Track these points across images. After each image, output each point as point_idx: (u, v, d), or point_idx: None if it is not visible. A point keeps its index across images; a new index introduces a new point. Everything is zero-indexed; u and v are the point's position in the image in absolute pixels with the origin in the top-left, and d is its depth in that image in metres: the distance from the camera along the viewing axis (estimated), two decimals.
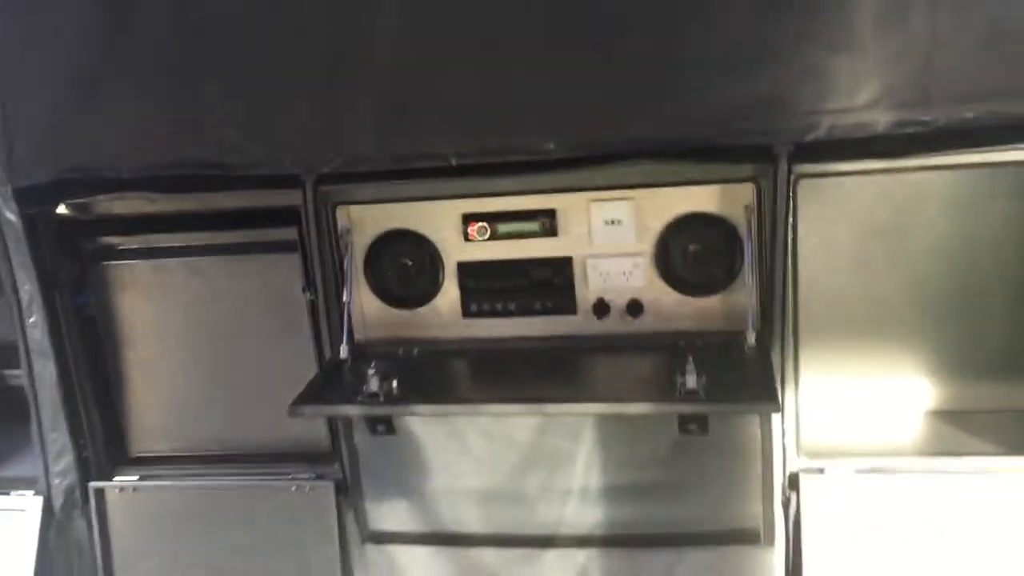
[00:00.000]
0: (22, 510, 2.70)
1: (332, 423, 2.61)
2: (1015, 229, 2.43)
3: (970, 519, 2.33)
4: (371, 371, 2.22)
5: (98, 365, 2.73)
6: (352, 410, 2.29)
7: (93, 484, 2.71)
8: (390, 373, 2.26)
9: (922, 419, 2.58)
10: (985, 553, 2.32)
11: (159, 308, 2.71)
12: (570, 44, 2.16)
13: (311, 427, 2.67)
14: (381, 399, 2.22)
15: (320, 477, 2.65)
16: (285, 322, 2.63)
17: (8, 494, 2.75)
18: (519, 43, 2.18)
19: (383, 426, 2.47)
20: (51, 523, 2.71)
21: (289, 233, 2.53)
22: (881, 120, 2.07)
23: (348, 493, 2.64)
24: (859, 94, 2.06)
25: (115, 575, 2.76)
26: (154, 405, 2.79)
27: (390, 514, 2.67)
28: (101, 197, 2.49)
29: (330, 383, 2.38)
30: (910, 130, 2.07)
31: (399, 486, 2.63)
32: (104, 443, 2.75)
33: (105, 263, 2.68)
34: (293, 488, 2.65)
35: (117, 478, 2.75)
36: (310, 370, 2.55)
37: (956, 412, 2.57)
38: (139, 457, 2.81)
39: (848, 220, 2.46)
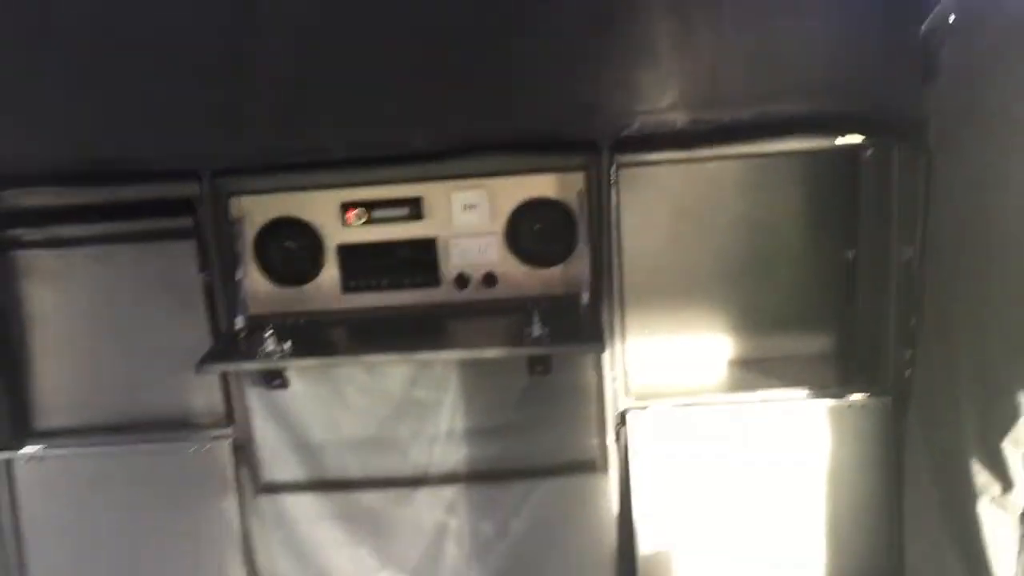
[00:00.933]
0: None
1: (227, 387, 2.92)
2: (792, 208, 3.02)
3: (761, 438, 2.88)
4: (267, 334, 2.60)
5: (4, 346, 2.96)
6: (253, 365, 2.65)
7: (1, 455, 2.94)
8: (283, 336, 2.63)
9: (724, 365, 3.14)
10: (773, 462, 2.88)
11: (63, 293, 2.96)
12: (432, 59, 2.61)
13: (207, 395, 2.98)
14: (277, 356, 2.59)
15: (216, 439, 2.96)
16: (181, 303, 2.92)
17: None
18: (390, 56, 2.60)
19: (278, 380, 2.83)
20: None
21: (185, 222, 2.84)
22: (679, 119, 2.62)
23: (242, 450, 2.96)
24: (661, 99, 2.61)
25: (25, 540, 2.99)
26: (58, 382, 3.03)
27: (280, 467, 3.00)
28: (10, 191, 2.75)
29: (229, 348, 2.73)
30: (702, 127, 2.62)
31: (288, 441, 2.97)
32: (10, 417, 2.97)
33: (11, 252, 2.93)
34: (192, 449, 2.95)
35: (24, 450, 2.98)
36: (204, 345, 2.86)
37: (748, 359, 3.14)
38: (43, 430, 3.04)
39: (661, 202, 3.00)
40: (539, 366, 2.74)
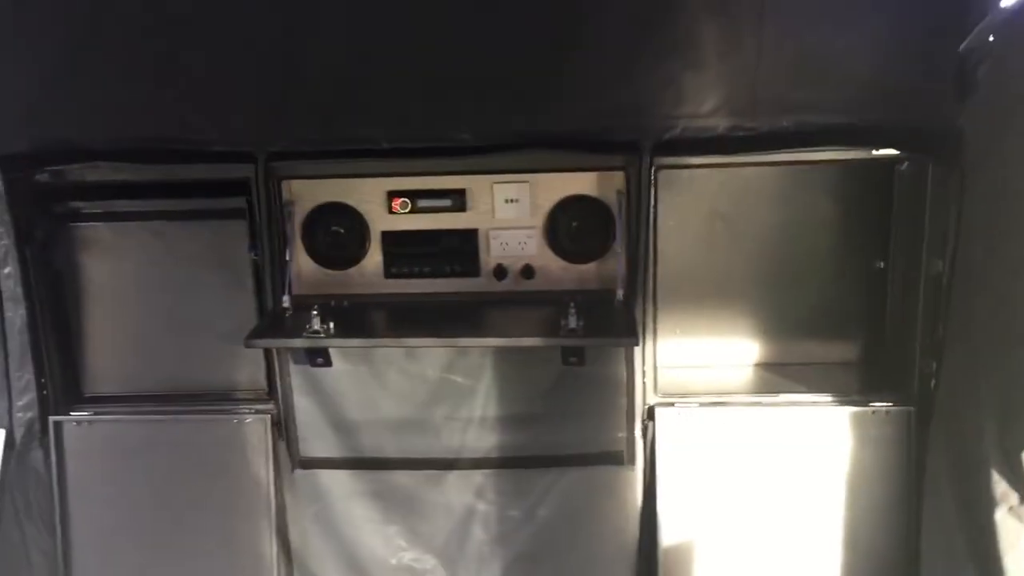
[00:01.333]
0: None
1: (270, 363, 3.04)
2: (820, 216, 3.09)
3: (785, 441, 2.95)
4: (314, 313, 2.70)
5: (60, 314, 3.08)
6: (298, 342, 2.76)
7: (53, 418, 3.05)
8: (327, 316, 2.74)
9: (750, 367, 3.22)
10: (796, 464, 2.95)
11: (118, 265, 3.08)
12: (482, 55, 2.69)
13: (250, 370, 3.10)
14: (322, 335, 2.70)
15: (257, 413, 3.07)
16: (229, 279, 3.04)
17: None
18: (441, 50, 2.69)
19: (322, 358, 2.93)
20: (12, 454, 3.03)
21: (238, 202, 2.95)
22: (720, 124, 2.69)
23: (282, 425, 3.07)
24: (704, 104, 2.68)
25: (69, 500, 3.11)
26: (109, 350, 3.15)
27: (317, 443, 3.10)
28: (75, 165, 2.87)
29: (276, 325, 2.84)
30: (742, 133, 2.69)
31: (326, 418, 3.08)
32: (62, 382, 3.09)
33: (72, 224, 3.04)
34: (234, 421, 3.06)
35: (73, 413, 3.10)
36: (250, 322, 2.98)
37: (774, 363, 3.21)
38: (93, 396, 3.17)
39: (696, 205, 3.08)
40: (573, 357, 2.82)
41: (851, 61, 2.60)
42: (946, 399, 2.73)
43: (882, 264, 3.05)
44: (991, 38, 2.43)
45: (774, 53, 2.60)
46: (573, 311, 2.64)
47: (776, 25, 2.57)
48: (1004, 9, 2.34)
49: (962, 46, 2.50)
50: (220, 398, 3.13)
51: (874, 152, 2.72)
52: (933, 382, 2.80)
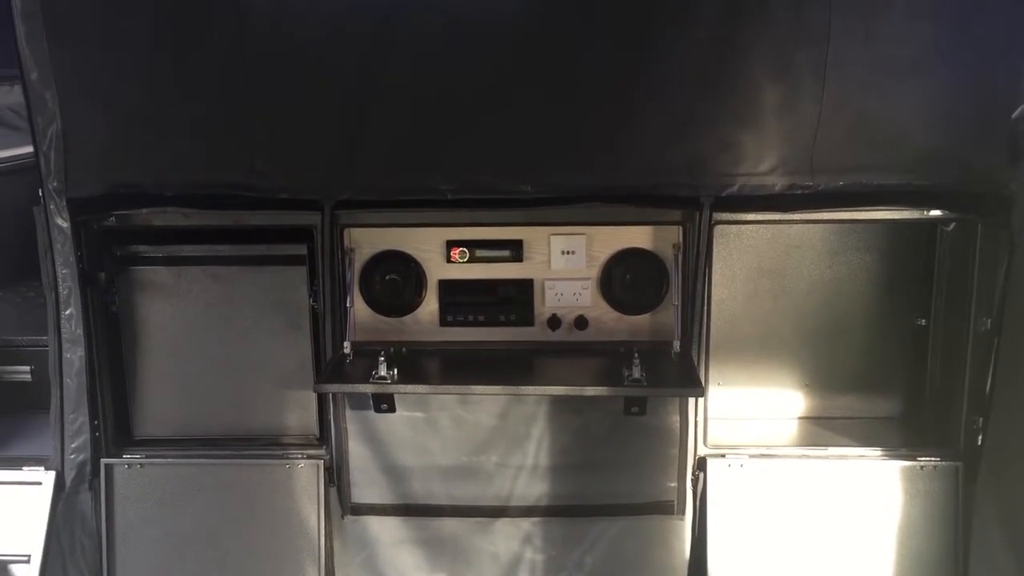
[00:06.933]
0: (39, 483, 3.03)
1: (323, 408, 3.07)
2: (865, 274, 3.20)
3: (833, 494, 2.99)
4: (380, 359, 2.74)
5: (116, 356, 3.10)
6: (368, 388, 2.78)
7: (104, 460, 3.05)
8: (392, 363, 2.77)
9: (795, 420, 3.29)
10: (844, 518, 2.98)
11: (175, 308, 3.10)
12: (545, 110, 2.77)
13: (301, 415, 3.12)
14: (389, 381, 2.74)
15: (309, 458, 3.08)
16: (286, 325, 3.08)
17: (20, 469, 3.06)
18: (505, 105, 2.77)
19: (386, 404, 2.97)
20: (61, 496, 3.03)
21: (298, 248, 3.01)
22: (778, 183, 2.76)
23: (333, 471, 3.08)
24: (762, 163, 2.75)
25: (116, 543, 3.09)
26: (162, 392, 3.16)
27: (369, 490, 3.12)
28: (144, 210, 2.92)
29: (339, 370, 2.87)
30: (798, 191, 2.77)
31: (379, 464, 3.10)
32: (114, 424, 3.10)
33: (133, 268, 3.07)
34: (285, 466, 3.07)
35: (125, 456, 3.09)
36: (305, 367, 3.05)
37: (819, 416, 3.29)
38: (144, 439, 3.17)
39: (744, 259, 3.19)
40: (635, 407, 2.87)
41: (907, 125, 2.69)
42: (996, 455, 2.78)
43: (923, 321, 3.12)
44: None
45: (833, 115, 2.68)
46: (637, 361, 2.69)
47: (836, 88, 2.65)
48: None
49: (1015, 113, 2.61)
50: (271, 443, 3.14)
51: (929, 213, 2.81)
52: (980, 437, 2.85)
